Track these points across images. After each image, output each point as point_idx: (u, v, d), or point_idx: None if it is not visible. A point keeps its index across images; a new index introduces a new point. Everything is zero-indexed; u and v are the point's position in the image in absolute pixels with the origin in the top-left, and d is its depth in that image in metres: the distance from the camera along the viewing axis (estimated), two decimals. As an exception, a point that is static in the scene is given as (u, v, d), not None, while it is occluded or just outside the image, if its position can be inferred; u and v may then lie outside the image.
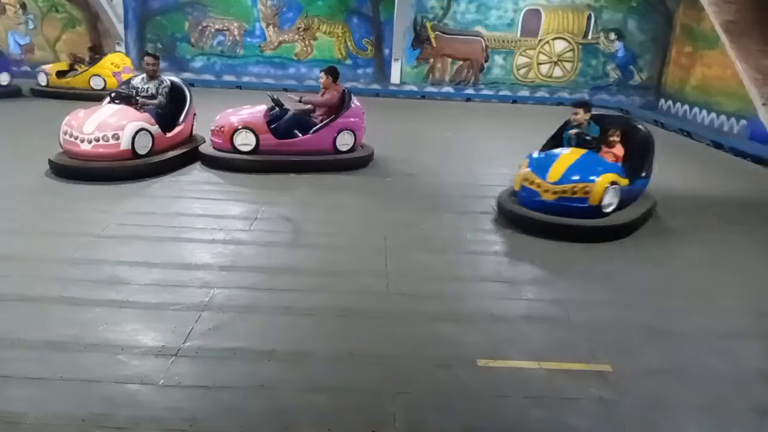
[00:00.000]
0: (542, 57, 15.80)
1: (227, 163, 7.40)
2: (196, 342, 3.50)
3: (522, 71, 15.94)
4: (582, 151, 5.98)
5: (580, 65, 15.95)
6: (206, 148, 7.70)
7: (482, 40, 15.68)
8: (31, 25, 15.38)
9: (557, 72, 15.99)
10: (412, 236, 5.56)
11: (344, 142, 7.79)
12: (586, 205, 5.59)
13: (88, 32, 15.51)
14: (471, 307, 4.19)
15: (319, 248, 5.14)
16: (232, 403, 3.00)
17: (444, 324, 3.89)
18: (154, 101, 7.55)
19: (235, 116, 7.57)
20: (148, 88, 7.65)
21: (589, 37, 15.70)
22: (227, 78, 15.76)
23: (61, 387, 3.03)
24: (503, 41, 15.71)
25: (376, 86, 15.70)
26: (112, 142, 6.71)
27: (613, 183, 5.67)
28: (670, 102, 15.06)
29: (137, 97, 7.50)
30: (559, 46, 15.77)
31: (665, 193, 7.00)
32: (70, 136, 6.77)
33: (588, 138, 6.18)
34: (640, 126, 6.73)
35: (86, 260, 4.54)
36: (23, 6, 15.22)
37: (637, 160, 6.37)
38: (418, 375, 3.32)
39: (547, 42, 15.68)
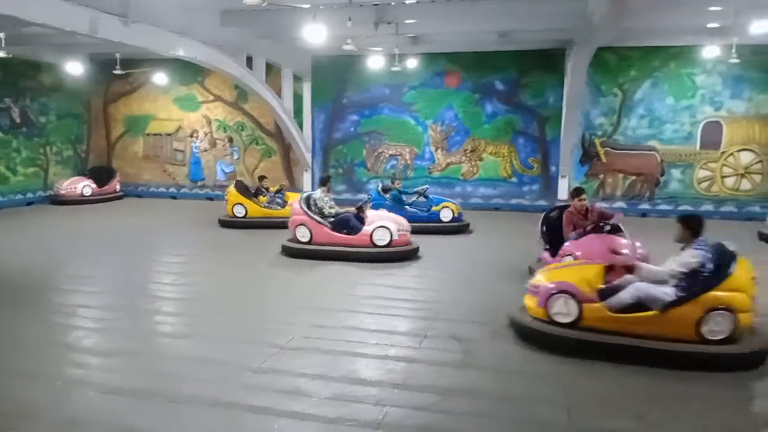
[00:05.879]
0: (726, 170, 14.74)
1: None
2: (372, 461, 3.56)
3: (704, 185, 14.94)
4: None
5: (773, 176, 14.58)
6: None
7: (657, 154, 15.11)
8: (236, 156, 17.90)
9: (745, 185, 14.75)
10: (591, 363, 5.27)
11: None
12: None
13: (281, 161, 17.66)
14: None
15: (488, 371, 5.07)
16: None
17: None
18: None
19: None
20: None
21: (781, 146, 14.42)
22: (397, 197, 16.68)
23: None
24: (680, 155, 14.98)
25: (542, 202, 15.60)
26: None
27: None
28: None
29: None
30: (746, 157, 14.65)
31: None
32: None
33: None
34: None
35: (272, 370, 4.94)
36: (230, 140, 17.84)
37: None
38: None
39: (731, 154, 14.66)
